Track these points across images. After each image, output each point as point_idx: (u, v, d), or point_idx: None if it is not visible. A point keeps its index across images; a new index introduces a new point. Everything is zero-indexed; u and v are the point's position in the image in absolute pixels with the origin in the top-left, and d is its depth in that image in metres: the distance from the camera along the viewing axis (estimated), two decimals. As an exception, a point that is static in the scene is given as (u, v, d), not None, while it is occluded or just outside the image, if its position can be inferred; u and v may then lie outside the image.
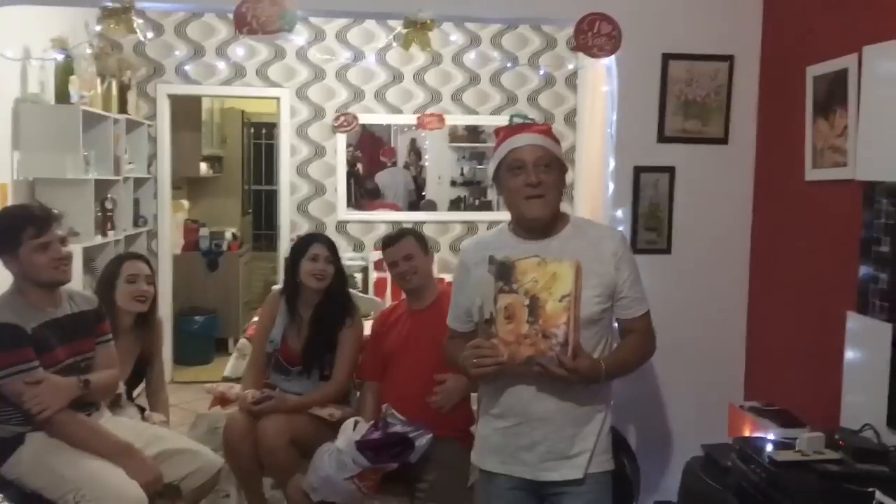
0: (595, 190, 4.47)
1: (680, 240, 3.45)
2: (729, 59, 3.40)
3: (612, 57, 3.33)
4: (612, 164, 3.47)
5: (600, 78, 4.20)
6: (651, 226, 3.43)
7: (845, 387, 2.72)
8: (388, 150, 6.24)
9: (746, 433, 2.80)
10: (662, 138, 3.41)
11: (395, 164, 6.26)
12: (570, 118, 6.06)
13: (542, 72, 6.05)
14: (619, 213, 3.43)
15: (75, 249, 4.18)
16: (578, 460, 2.16)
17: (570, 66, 5.95)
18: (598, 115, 4.46)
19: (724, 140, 3.44)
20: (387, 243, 3.28)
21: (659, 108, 3.39)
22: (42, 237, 2.62)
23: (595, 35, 3.25)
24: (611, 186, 3.48)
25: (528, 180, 2.15)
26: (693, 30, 3.39)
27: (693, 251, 3.45)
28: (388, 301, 4.90)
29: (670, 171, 3.42)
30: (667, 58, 3.38)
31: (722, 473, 2.65)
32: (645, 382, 3.38)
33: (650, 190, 3.42)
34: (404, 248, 3.22)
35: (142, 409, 3.25)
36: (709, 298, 3.47)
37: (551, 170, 2.19)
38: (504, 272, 2.06)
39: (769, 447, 2.48)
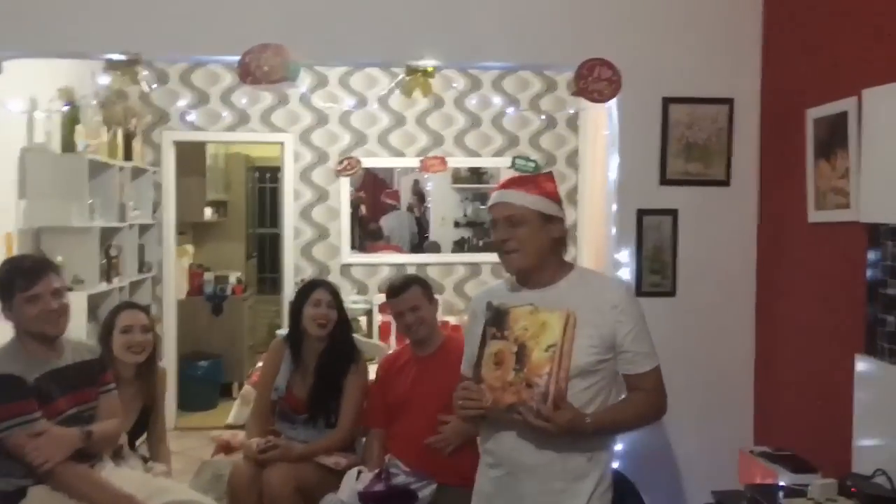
0: (599, 231, 4.47)
1: (685, 282, 3.43)
2: (729, 102, 3.42)
3: (613, 101, 3.35)
4: (614, 206, 3.48)
5: (601, 120, 4.23)
6: (655, 268, 3.42)
7: (856, 431, 2.68)
8: (391, 192, 6.27)
9: (758, 480, 2.76)
10: (665, 181, 3.41)
11: (397, 207, 6.27)
12: (573, 159, 6.09)
13: (542, 118, 6.07)
14: (623, 255, 3.43)
15: (79, 297, 4.23)
16: None
17: (571, 111, 5.98)
18: (600, 157, 4.48)
19: (726, 182, 3.44)
20: (391, 294, 3.25)
21: (660, 150, 3.40)
22: (31, 290, 2.59)
23: (595, 80, 3.27)
24: (613, 229, 3.48)
25: (495, 238, 2.20)
26: (693, 73, 3.41)
27: (698, 294, 3.43)
28: (393, 345, 4.87)
29: (673, 213, 3.42)
30: (667, 101, 3.39)
31: (733, 521, 2.61)
32: (653, 428, 3.29)
33: (653, 232, 3.42)
34: (410, 300, 3.20)
35: (144, 459, 3.22)
36: (715, 341, 3.45)
37: (522, 224, 2.15)
38: (499, 318, 2.07)
39: (781, 495, 2.44)
